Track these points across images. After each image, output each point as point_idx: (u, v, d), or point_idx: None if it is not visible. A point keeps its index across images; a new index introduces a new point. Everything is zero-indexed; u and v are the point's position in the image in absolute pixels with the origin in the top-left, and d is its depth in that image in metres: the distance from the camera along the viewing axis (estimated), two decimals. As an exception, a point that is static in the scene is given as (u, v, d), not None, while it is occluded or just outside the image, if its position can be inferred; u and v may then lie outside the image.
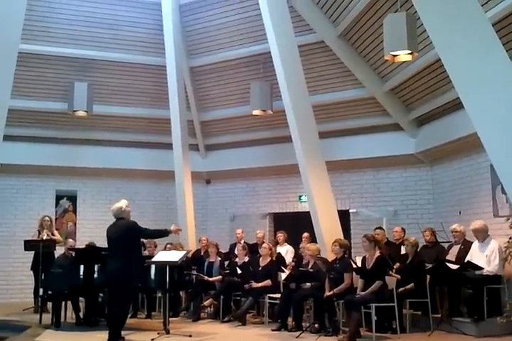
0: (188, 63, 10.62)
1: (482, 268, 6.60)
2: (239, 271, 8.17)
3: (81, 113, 9.97)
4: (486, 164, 7.44)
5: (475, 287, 6.51)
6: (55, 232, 9.41)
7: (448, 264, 6.76)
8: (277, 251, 8.63)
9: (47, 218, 9.31)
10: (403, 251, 7.71)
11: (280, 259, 8.40)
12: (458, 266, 6.72)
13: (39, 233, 9.11)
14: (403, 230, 8.22)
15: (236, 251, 8.71)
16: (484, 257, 6.69)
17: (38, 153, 10.51)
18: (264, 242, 8.67)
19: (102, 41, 10.08)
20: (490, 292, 6.49)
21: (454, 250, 7.27)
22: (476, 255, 6.83)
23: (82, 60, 10.09)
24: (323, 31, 9.06)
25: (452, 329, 6.54)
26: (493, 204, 7.62)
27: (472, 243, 7.04)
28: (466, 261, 6.81)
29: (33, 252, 8.87)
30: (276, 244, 9.05)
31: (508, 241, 6.16)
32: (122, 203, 6.42)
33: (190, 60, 10.64)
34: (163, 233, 6.63)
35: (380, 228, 8.29)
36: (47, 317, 7.46)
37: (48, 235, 9.06)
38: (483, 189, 7.88)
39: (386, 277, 6.62)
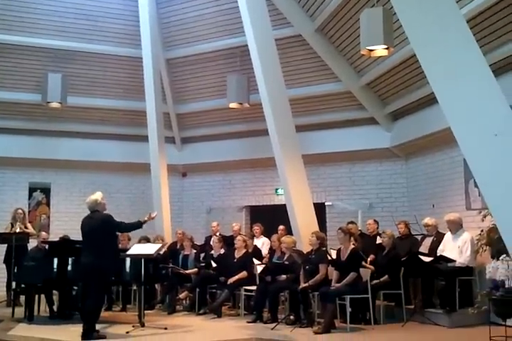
0: (165, 55, 10.54)
1: (454, 261, 6.71)
2: (214, 264, 8.17)
3: (55, 104, 9.81)
4: (459, 158, 7.55)
5: (447, 279, 6.62)
6: (28, 225, 9.29)
7: (421, 257, 6.86)
8: (254, 244, 8.66)
9: (20, 211, 9.18)
10: (377, 242, 7.80)
11: (257, 252, 8.43)
12: (431, 259, 6.83)
13: (12, 226, 8.98)
14: (376, 222, 8.31)
15: (212, 243, 8.71)
16: (456, 248, 6.80)
17: (11, 144, 10.35)
18: (240, 234, 8.68)
19: (77, 32, 9.93)
20: (462, 283, 6.61)
21: (427, 242, 7.39)
22: (449, 246, 6.94)
23: (56, 51, 9.93)
24: (300, 25, 9.07)
25: (425, 320, 6.65)
26: (466, 197, 7.75)
27: (444, 234, 7.15)
28: (438, 254, 6.91)
29: (6, 245, 8.75)
30: (253, 236, 9.07)
31: (480, 234, 6.29)
32: (97, 195, 6.36)
33: (167, 52, 10.56)
34: (139, 225, 6.57)
35: (353, 222, 8.27)
36: (20, 311, 7.37)
37: (20, 228, 8.94)
38: (456, 183, 8.00)
39: (360, 269, 6.69)
